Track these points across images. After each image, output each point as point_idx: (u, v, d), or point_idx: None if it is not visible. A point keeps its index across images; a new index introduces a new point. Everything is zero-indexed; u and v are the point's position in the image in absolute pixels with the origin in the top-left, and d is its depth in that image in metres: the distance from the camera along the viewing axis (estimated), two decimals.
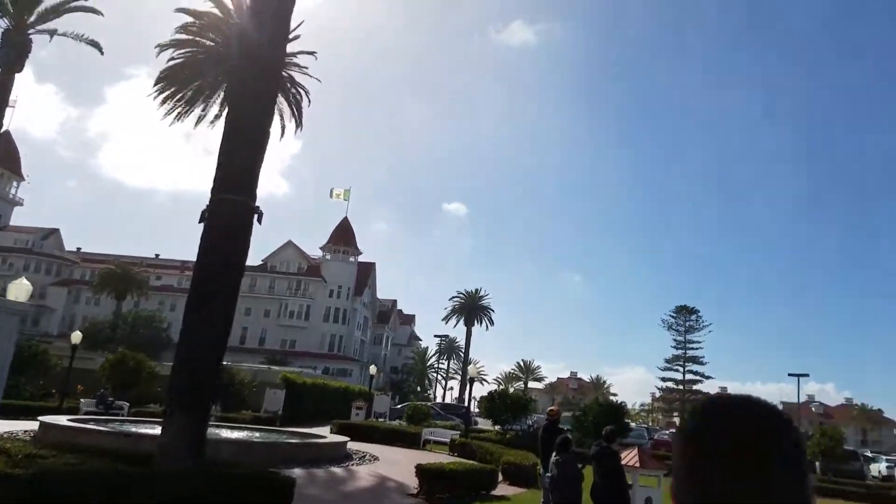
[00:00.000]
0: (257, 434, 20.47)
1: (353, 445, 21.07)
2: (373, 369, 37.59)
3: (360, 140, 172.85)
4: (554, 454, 9.78)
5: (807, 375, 60.39)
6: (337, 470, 16.60)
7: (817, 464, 31.85)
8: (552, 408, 12.19)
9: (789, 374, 55.37)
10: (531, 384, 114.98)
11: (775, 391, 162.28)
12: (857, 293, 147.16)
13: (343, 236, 79.26)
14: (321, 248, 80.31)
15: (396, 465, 18.02)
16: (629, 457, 10.13)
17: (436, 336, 70.02)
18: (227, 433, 19.03)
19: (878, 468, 38.92)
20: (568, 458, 9.57)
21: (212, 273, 9.30)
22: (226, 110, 14.63)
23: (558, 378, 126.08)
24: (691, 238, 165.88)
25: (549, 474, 9.96)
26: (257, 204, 10.16)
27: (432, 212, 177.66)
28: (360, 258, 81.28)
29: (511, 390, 57.54)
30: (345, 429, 25.76)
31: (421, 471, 13.98)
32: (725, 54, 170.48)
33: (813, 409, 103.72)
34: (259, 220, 10.09)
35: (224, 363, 32.70)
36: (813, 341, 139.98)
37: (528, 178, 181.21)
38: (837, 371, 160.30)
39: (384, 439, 25.07)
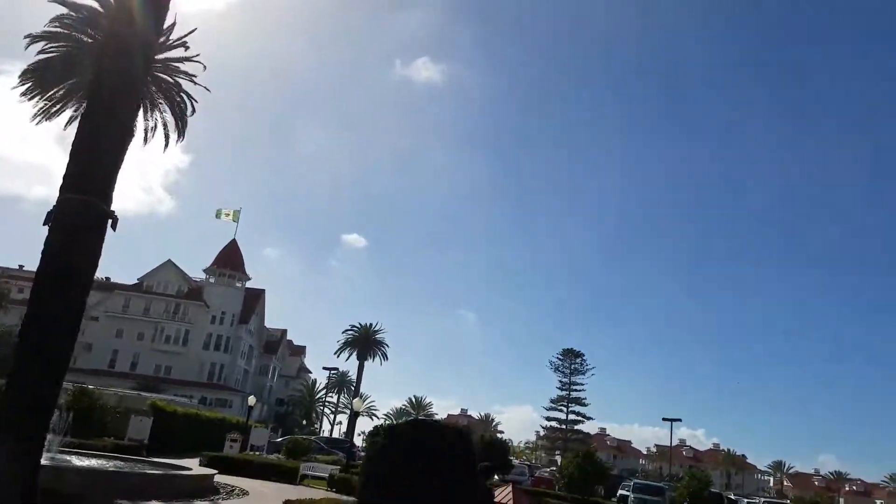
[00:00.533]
0: (116, 463, 18.72)
1: (222, 479, 19.92)
2: (251, 400, 35.76)
3: (255, 161, 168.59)
4: None
5: (679, 420, 64.15)
6: None
7: None
8: None
9: (663, 419, 58.06)
10: None
11: (651, 434, 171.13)
12: (727, 347, 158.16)
13: (230, 259, 75.59)
14: (205, 271, 76.19)
15: (266, 499, 17.10)
16: (503, 494, 9.96)
17: (325, 368, 67.50)
18: (77, 461, 17.26)
19: None
20: None
21: (54, 281, 8.39)
22: None
23: (449, 415, 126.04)
24: (581, 284, 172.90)
25: None
26: (114, 209, 9.31)
27: (330, 241, 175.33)
28: (249, 284, 78.00)
29: None
30: (215, 461, 24.36)
31: None
32: (626, 98, 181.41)
33: (684, 452, 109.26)
34: (114, 226, 9.23)
35: (88, 386, 30.14)
36: (687, 389, 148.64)
37: (429, 214, 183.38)
38: (708, 418, 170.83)
39: (258, 473, 23.99)
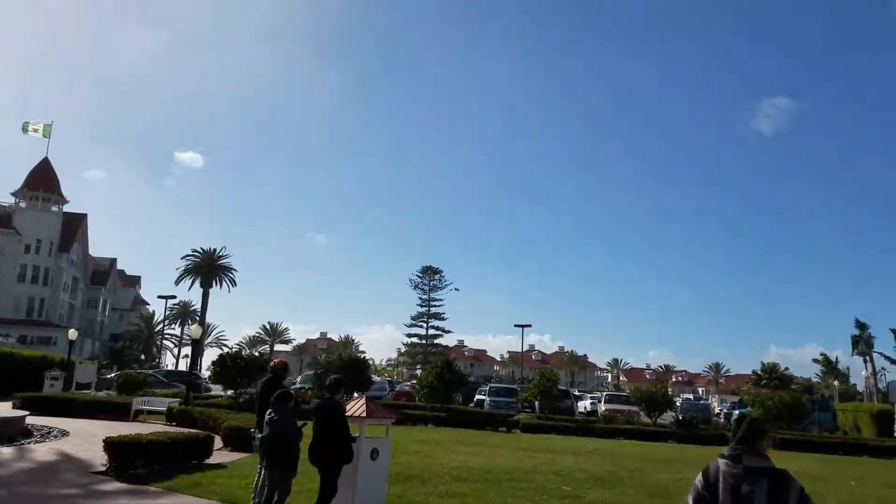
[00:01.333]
0: None
1: (40, 421, 18.05)
2: (72, 334, 32.00)
3: (70, 70, 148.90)
4: (269, 411, 8.08)
5: (529, 326, 67.53)
6: (4, 450, 13.57)
7: (536, 403, 34.87)
8: (275, 361, 10.39)
9: (515, 325, 60.96)
10: (278, 347, 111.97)
11: (503, 343, 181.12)
12: (570, 255, 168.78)
13: (43, 180, 66.41)
14: (13, 194, 66.67)
15: (91, 439, 15.19)
16: (355, 407, 8.81)
17: (161, 297, 62.04)
18: None
19: (584, 405, 44.29)
20: (284, 415, 7.91)
21: None
22: None
23: (307, 339, 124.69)
24: (436, 201, 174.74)
25: (261, 434, 8.21)
26: None
27: (162, 161, 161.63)
28: (68, 208, 69.42)
29: (257, 354, 54.36)
30: (33, 402, 22.03)
31: (109, 444, 11.77)
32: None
33: (533, 356, 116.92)
34: None
35: None
36: (536, 299, 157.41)
37: (274, 129, 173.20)
38: (553, 323, 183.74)
39: (84, 412, 22.00)
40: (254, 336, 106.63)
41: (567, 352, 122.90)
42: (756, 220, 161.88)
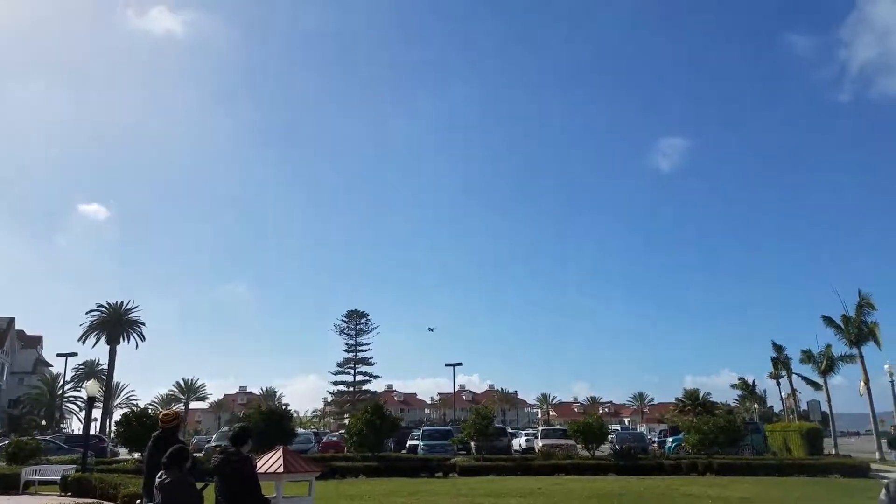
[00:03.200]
0: None
1: None
2: None
3: None
4: (160, 474, 6.52)
5: (461, 364, 66.88)
6: None
7: (472, 443, 33.43)
8: (167, 412, 8.78)
9: (446, 364, 59.66)
10: (194, 404, 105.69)
11: (432, 385, 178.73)
12: (492, 294, 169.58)
13: None
14: None
15: None
16: (270, 461, 7.40)
17: (60, 355, 57.06)
18: None
19: (519, 442, 42.87)
20: (179, 478, 6.37)
21: None
22: None
23: (226, 395, 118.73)
24: (355, 244, 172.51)
25: (150, 503, 6.63)
26: None
27: (61, 214, 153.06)
28: None
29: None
30: None
31: None
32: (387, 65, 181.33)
33: (464, 397, 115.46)
34: None
35: None
36: (463, 340, 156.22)
37: (182, 178, 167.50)
38: (481, 362, 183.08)
39: None
40: (167, 394, 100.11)
41: (497, 390, 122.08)
42: (660, 253, 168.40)
